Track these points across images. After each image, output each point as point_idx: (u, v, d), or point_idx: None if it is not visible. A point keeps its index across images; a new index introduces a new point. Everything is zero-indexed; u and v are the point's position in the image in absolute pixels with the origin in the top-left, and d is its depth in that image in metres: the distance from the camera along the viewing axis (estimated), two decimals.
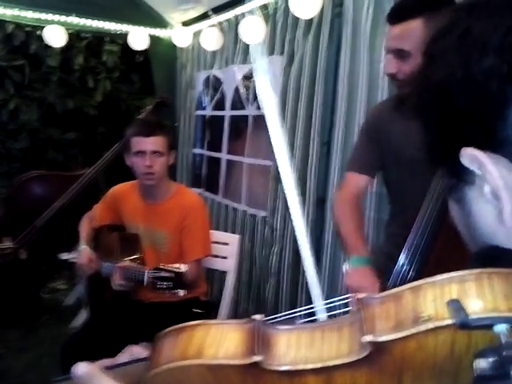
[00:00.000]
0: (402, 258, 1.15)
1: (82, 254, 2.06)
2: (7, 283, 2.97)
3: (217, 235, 2.42)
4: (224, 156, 3.32)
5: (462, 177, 0.41)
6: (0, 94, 4.09)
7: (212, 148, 3.52)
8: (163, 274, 1.72)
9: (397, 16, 1.28)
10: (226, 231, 3.04)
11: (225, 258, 2.42)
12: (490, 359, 0.30)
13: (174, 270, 1.73)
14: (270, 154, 2.73)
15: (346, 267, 1.37)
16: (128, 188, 2.18)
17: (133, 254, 2.04)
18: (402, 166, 1.38)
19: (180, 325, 0.42)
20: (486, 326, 0.31)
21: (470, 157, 0.38)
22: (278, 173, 2.63)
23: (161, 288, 1.72)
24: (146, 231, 2.08)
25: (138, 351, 0.52)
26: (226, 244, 2.45)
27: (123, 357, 0.53)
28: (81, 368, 0.48)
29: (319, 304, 0.46)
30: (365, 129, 1.61)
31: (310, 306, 0.46)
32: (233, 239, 2.47)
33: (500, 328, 0.31)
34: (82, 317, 2.72)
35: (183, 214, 2.03)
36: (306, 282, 2.39)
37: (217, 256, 2.38)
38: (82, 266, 2.05)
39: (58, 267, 3.64)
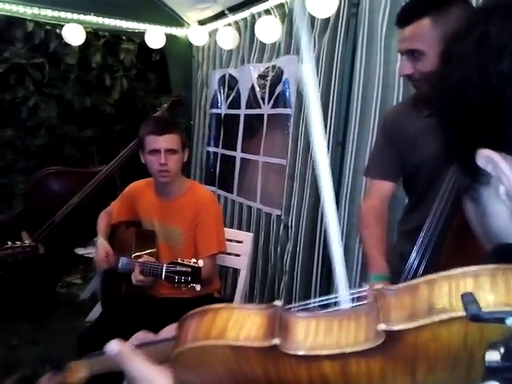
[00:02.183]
0: (413, 254, 1.16)
1: (99, 248, 2.09)
2: (24, 277, 3.03)
3: (230, 233, 2.43)
4: (238, 154, 3.34)
5: (477, 177, 0.41)
6: (20, 91, 4.16)
7: (226, 146, 3.54)
8: (180, 268, 1.75)
9: (404, 19, 1.30)
10: (240, 229, 3.06)
11: (238, 255, 2.44)
12: (501, 351, 0.31)
13: (191, 264, 1.75)
14: (284, 152, 2.74)
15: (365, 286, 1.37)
16: (143, 185, 2.21)
17: (148, 249, 2.06)
18: (420, 164, 1.38)
19: (205, 307, 0.44)
20: (498, 319, 0.32)
21: (486, 158, 0.39)
22: (293, 171, 2.63)
23: (178, 282, 1.74)
24: (160, 228, 2.11)
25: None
26: (240, 242, 2.47)
27: (164, 333, 0.55)
28: (112, 346, 0.50)
29: (338, 295, 0.47)
30: (381, 132, 1.61)
31: (330, 296, 0.47)
32: (246, 237, 2.49)
33: (511, 322, 0.32)
34: (96, 311, 2.75)
35: (196, 210, 2.05)
36: (320, 280, 2.39)
37: (230, 254, 2.40)
38: (98, 261, 2.08)
39: (74, 262, 3.71)
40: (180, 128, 2.13)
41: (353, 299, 0.47)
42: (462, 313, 0.33)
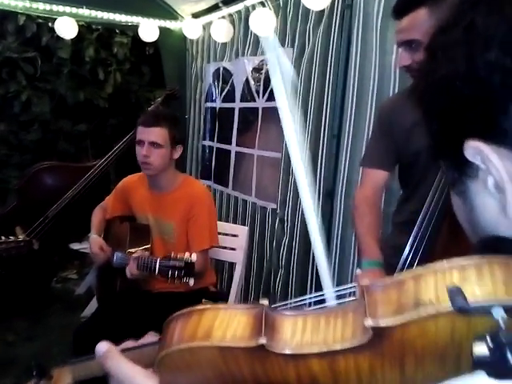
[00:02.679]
0: (408, 247, 1.16)
1: (93, 243, 2.08)
2: (19, 272, 3.02)
3: (226, 227, 2.43)
4: (233, 148, 3.33)
5: (464, 170, 0.41)
6: (12, 85, 4.12)
7: (221, 140, 3.53)
8: (174, 263, 1.74)
9: (400, 10, 1.30)
10: (235, 223, 3.06)
11: (233, 249, 2.44)
12: (488, 344, 0.30)
13: (185, 259, 1.75)
14: (280, 146, 2.73)
15: (358, 272, 1.38)
16: (137, 179, 2.20)
17: (142, 244, 2.06)
18: (417, 155, 1.39)
19: (189, 308, 0.43)
20: (485, 311, 0.32)
21: (474, 150, 0.38)
22: (289, 165, 2.64)
23: (171, 277, 1.74)
24: (154, 222, 2.10)
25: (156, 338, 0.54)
26: (235, 236, 2.46)
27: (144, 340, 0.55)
28: (101, 347, 0.50)
29: (328, 291, 0.47)
30: (377, 123, 1.61)
31: (318, 294, 0.47)
32: (242, 231, 2.49)
33: (498, 313, 0.31)
34: (92, 306, 2.75)
35: (190, 204, 2.04)
36: (316, 274, 2.40)
37: (225, 248, 2.40)
38: (94, 255, 2.08)
39: (69, 257, 3.70)
40: (173, 123, 2.07)
41: (346, 294, 0.46)
42: (448, 306, 0.33)
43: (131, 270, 1.87)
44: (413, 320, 0.34)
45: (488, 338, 0.31)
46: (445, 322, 0.34)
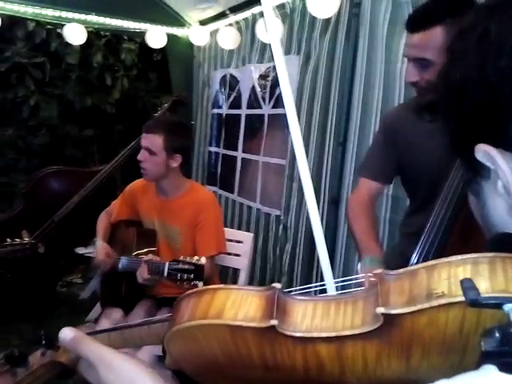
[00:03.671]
0: (414, 257, 1.15)
1: (99, 250, 2.08)
2: (25, 276, 3.03)
3: (230, 233, 2.43)
4: (239, 154, 3.34)
5: (478, 171, 0.42)
6: (21, 90, 4.16)
7: (228, 146, 3.54)
8: (183, 265, 1.74)
9: (417, 24, 1.23)
10: (239, 229, 3.06)
11: (238, 255, 2.44)
12: (497, 336, 0.31)
13: (194, 261, 1.75)
14: (285, 152, 2.74)
15: (359, 268, 1.37)
16: (145, 184, 2.21)
17: (148, 248, 2.06)
18: (421, 168, 1.37)
19: (202, 287, 0.44)
20: (496, 305, 0.32)
21: (483, 153, 0.39)
22: (293, 172, 2.64)
23: (180, 280, 1.73)
24: (160, 226, 2.11)
25: (116, 316, 0.57)
26: (240, 242, 2.46)
27: (104, 322, 0.57)
28: (66, 332, 0.52)
29: (333, 282, 0.47)
30: (381, 132, 1.59)
31: (324, 283, 0.48)
32: (246, 237, 2.49)
33: (509, 307, 0.32)
34: (96, 311, 2.75)
35: (196, 211, 2.05)
36: (318, 281, 2.39)
37: (230, 254, 2.40)
38: (101, 261, 2.07)
39: (74, 261, 3.71)
40: (172, 131, 2.01)
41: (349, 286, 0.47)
42: (460, 298, 0.33)
43: (142, 274, 1.84)
44: (424, 310, 0.35)
45: (497, 331, 0.31)
46: (455, 313, 0.34)
